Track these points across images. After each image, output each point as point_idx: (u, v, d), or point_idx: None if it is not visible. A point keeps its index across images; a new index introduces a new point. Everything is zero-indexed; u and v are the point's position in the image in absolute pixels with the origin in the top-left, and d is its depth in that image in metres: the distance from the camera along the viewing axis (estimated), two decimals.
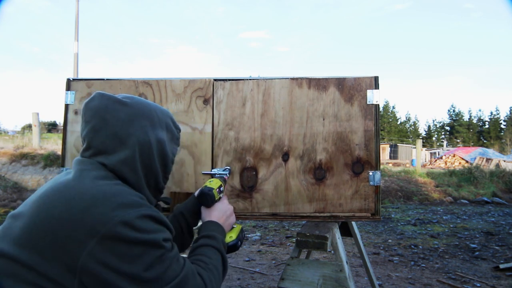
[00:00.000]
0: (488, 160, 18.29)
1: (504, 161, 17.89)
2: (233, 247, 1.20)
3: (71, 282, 0.76)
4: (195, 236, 1.16)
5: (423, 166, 18.43)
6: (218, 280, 0.98)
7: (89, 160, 0.93)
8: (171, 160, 1.07)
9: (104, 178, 0.88)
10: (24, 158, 8.57)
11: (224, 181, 1.36)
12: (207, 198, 1.18)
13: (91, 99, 0.97)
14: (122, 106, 0.96)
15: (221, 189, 1.26)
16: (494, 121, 57.78)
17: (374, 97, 1.64)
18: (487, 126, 58.78)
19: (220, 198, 1.24)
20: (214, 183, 1.24)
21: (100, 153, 0.93)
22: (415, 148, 17.35)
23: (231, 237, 1.20)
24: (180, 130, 1.14)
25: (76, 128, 1.75)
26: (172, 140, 1.08)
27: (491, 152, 23.58)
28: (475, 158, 19.16)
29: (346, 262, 1.61)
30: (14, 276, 0.76)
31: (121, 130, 0.93)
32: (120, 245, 0.77)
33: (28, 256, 0.76)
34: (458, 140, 58.65)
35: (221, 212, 1.19)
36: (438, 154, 28.32)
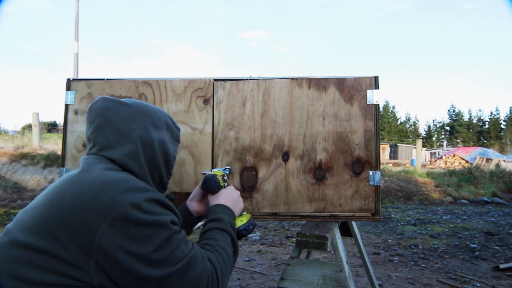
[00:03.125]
0: (488, 160, 18.28)
1: (504, 161, 17.88)
2: (245, 231, 1.17)
3: (87, 264, 0.78)
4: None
5: (423, 166, 18.43)
6: (228, 261, 0.98)
7: (95, 155, 0.98)
8: (173, 156, 1.12)
9: (112, 169, 0.93)
10: (24, 158, 8.57)
11: (229, 171, 1.40)
12: (211, 183, 1.18)
13: (95, 102, 1.04)
14: (123, 106, 1.03)
15: (225, 178, 1.27)
16: (494, 121, 57.78)
17: (374, 97, 1.64)
18: (487, 126, 58.77)
19: (225, 186, 1.24)
20: (217, 171, 1.28)
21: (104, 148, 0.98)
22: (415, 148, 17.35)
23: (241, 221, 1.18)
24: (179, 130, 1.19)
25: (76, 128, 1.75)
26: (172, 138, 1.13)
27: (491, 152, 23.57)
28: (475, 158, 19.15)
29: (346, 262, 1.61)
30: (32, 264, 0.78)
31: (124, 127, 0.99)
32: (130, 227, 0.80)
33: (45, 243, 0.79)
34: (458, 140, 58.65)
35: (228, 196, 1.20)
36: (438, 154, 28.32)
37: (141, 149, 1.00)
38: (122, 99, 1.06)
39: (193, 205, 1.31)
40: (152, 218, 0.83)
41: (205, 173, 1.65)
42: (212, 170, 1.51)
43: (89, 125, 1.03)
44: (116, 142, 0.98)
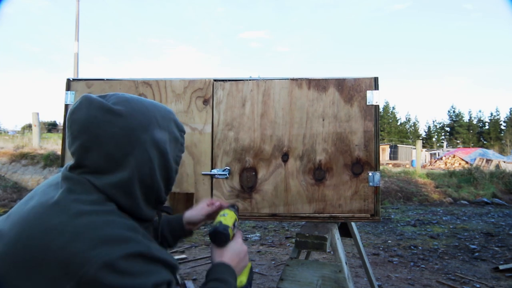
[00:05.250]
0: (488, 161, 18.28)
1: (504, 162, 17.88)
2: None
3: None
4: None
5: (423, 167, 18.44)
6: None
7: (78, 178, 0.79)
8: (175, 170, 0.94)
9: (93, 203, 0.75)
10: (24, 158, 8.58)
11: (237, 211, 1.20)
12: (221, 238, 1.03)
13: (77, 107, 0.80)
14: (115, 118, 0.79)
15: (236, 224, 1.11)
16: (494, 122, 57.79)
17: (373, 97, 1.64)
18: (487, 127, 58.79)
19: (234, 235, 1.08)
20: (229, 219, 1.08)
21: (90, 172, 0.79)
22: (415, 149, 17.36)
23: (241, 281, 1.06)
24: (184, 132, 1.00)
25: None
26: (176, 148, 0.94)
27: (491, 153, 23.58)
28: (475, 159, 19.15)
29: (346, 263, 1.61)
30: None
31: (117, 150, 0.78)
32: None
33: (13, 280, 0.68)
34: (458, 141, 58.67)
35: (234, 253, 1.02)
36: (438, 155, 28.32)
37: (137, 176, 0.81)
38: (114, 102, 0.82)
39: (189, 225, 1.22)
40: (128, 282, 0.66)
41: (204, 174, 1.52)
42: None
43: (72, 140, 0.80)
44: (106, 169, 0.78)
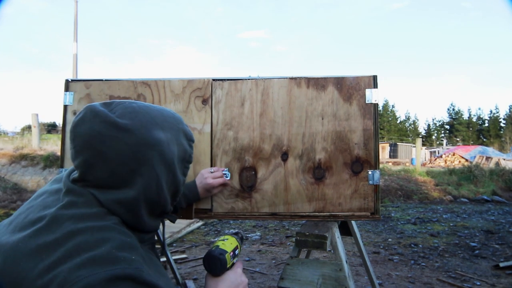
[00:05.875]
0: (487, 158, 18.29)
1: (504, 159, 17.88)
2: None
3: None
4: None
5: (423, 165, 18.44)
6: None
7: (81, 191, 0.75)
8: (183, 182, 0.89)
9: (92, 217, 0.71)
10: (23, 159, 8.57)
11: (241, 240, 1.07)
12: (215, 264, 0.89)
13: (81, 120, 0.76)
14: (121, 133, 0.74)
15: (236, 252, 0.98)
16: (494, 120, 57.81)
17: (373, 96, 1.64)
18: (486, 125, 58.82)
19: (233, 264, 0.95)
20: (228, 244, 0.96)
21: (94, 186, 0.75)
22: (414, 147, 17.35)
23: None
24: (193, 141, 0.94)
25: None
26: (184, 159, 0.88)
27: (491, 151, 23.59)
28: (474, 157, 19.16)
29: (346, 261, 1.61)
30: None
31: (122, 167, 0.74)
32: None
33: None
34: (458, 139, 58.69)
35: (231, 285, 0.90)
36: (438, 153, 28.32)
37: (143, 195, 0.77)
38: (119, 114, 0.77)
39: (202, 191, 1.38)
40: None
41: None
42: (224, 236, 1.04)
43: (75, 154, 0.76)
44: (110, 184, 0.75)
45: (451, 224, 5.97)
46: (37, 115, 9.93)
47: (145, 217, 0.79)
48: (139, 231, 0.79)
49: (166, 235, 4.71)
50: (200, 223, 5.71)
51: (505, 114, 57.58)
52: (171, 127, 0.83)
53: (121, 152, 0.73)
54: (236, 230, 1.29)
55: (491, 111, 59.09)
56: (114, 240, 0.68)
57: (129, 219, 0.76)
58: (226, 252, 0.92)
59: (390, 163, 17.58)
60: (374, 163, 1.62)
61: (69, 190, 0.76)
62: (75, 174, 0.78)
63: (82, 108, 0.78)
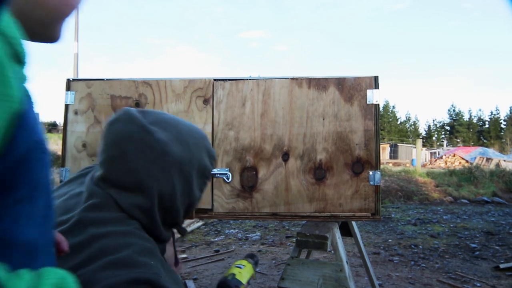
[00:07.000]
0: (488, 159, 18.29)
1: (504, 160, 17.89)
2: None
3: None
4: None
5: (423, 166, 18.43)
6: None
7: (103, 194, 0.78)
8: (199, 198, 0.91)
9: (113, 222, 0.75)
10: None
11: (256, 264, 1.05)
12: None
13: (116, 120, 0.82)
14: (148, 138, 0.78)
15: (250, 281, 0.99)
16: (494, 121, 57.80)
17: (374, 96, 1.64)
18: (487, 126, 58.80)
19: None
20: (245, 274, 0.95)
21: (115, 187, 0.79)
22: (415, 148, 17.36)
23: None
24: (215, 160, 0.95)
25: (76, 128, 1.75)
26: (203, 176, 0.90)
27: (491, 152, 23.58)
28: (475, 158, 19.16)
29: (346, 262, 1.61)
30: None
31: (143, 171, 0.77)
32: None
33: None
34: (458, 140, 58.68)
35: None
36: (438, 154, 28.32)
37: (157, 203, 0.80)
38: (152, 121, 0.81)
39: None
40: None
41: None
42: (241, 262, 1.03)
43: (103, 150, 0.80)
44: (129, 186, 0.78)
45: (451, 225, 5.97)
46: (37, 114, 9.95)
47: (160, 224, 0.82)
48: (155, 239, 0.81)
49: None
50: (200, 223, 5.71)
51: (506, 116, 57.56)
52: (195, 142, 0.86)
53: (144, 156, 0.77)
54: (253, 253, 1.26)
55: (491, 112, 59.08)
56: (135, 245, 0.71)
57: (148, 225, 0.79)
58: (242, 284, 0.91)
59: (391, 164, 17.58)
60: (375, 163, 1.62)
61: (92, 193, 0.79)
62: (99, 172, 0.81)
63: (120, 110, 0.84)
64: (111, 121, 0.82)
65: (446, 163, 20.91)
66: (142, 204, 0.78)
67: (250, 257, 1.05)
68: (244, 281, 0.93)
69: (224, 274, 0.95)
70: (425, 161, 24.82)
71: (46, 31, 0.54)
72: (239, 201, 1.67)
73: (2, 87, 0.36)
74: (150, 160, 0.77)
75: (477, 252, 4.34)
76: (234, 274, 0.93)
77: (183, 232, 0.99)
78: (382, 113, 55.32)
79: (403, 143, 36.93)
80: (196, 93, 1.72)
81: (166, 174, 0.79)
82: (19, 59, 0.41)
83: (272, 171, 1.67)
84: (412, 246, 4.62)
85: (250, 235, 5.14)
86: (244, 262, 1.00)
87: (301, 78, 1.68)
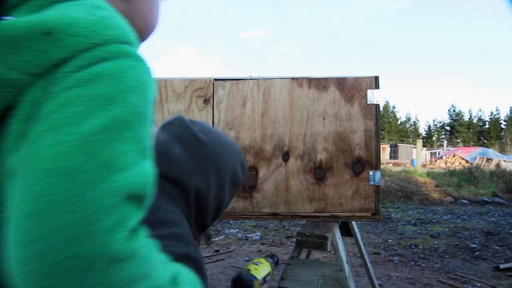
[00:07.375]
0: (488, 160, 18.29)
1: (505, 161, 17.89)
2: None
3: None
4: None
5: (423, 166, 18.43)
6: None
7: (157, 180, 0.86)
8: (226, 204, 0.98)
9: (169, 202, 0.84)
10: None
11: (276, 264, 1.04)
12: None
13: (170, 122, 0.94)
14: (195, 141, 0.89)
15: (267, 278, 0.95)
16: (494, 121, 57.79)
17: (374, 96, 1.64)
18: (487, 126, 58.79)
19: None
20: (261, 270, 0.94)
21: (161, 177, 0.85)
22: (415, 148, 17.36)
23: None
24: (246, 173, 1.03)
25: None
26: (234, 186, 0.98)
27: (491, 152, 23.59)
28: (475, 158, 19.16)
29: (346, 262, 1.61)
30: None
31: (185, 167, 0.87)
32: None
33: None
34: (459, 140, 58.67)
35: None
36: (438, 154, 28.32)
37: (194, 198, 0.87)
38: (199, 129, 0.91)
39: None
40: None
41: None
42: (258, 259, 1.03)
43: (154, 148, 0.87)
44: (171, 180, 0.86)
45: (451, 226, 5.97)
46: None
47: (193, 222, 0.89)
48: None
49: None
50: None
51: (506, 116, 57.57)
52: (232, 155, 0.96)
53: (189, 155, 0.88)
54: (273, 253, 1.24)
55: (491, 113, 59.06)
56: (186, 227, 0.81)
57: (188, 213, 0.87)
58: (257, 279, 0.91)
59: (391, 164, 17.57)
60: (375, 163, 1.62)
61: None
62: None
63: (174, 116, 0.96)
64: (166, 122, 0.94)
65: (446, 163, 20.91)
66: (180, 196, 0.86)
67: (270, 256, 1.06)
68: (259, 277, 0.92)
69: (240, 271, 0.95)
70: (425, 161, 24.82)
71: None
72: (239, 201, 1.67)
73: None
74: (192, 160, 0.88)
75: (477, 252, 4.34)
76: (249, 270, 0.93)
77: (209, 236, 1.04)
78: (382, 113, 55.30)
79: (403, 143, 36.94)
80: (196, 93, 1.72)
81: (204, 174, 0.89)
82: None
83: (272, 171, 1.67)
84: (412, 246, 4.62)
85: (250, 235, 5.14)
86: (262, 260, 1.01)
87: (302, 78, 1.68)
